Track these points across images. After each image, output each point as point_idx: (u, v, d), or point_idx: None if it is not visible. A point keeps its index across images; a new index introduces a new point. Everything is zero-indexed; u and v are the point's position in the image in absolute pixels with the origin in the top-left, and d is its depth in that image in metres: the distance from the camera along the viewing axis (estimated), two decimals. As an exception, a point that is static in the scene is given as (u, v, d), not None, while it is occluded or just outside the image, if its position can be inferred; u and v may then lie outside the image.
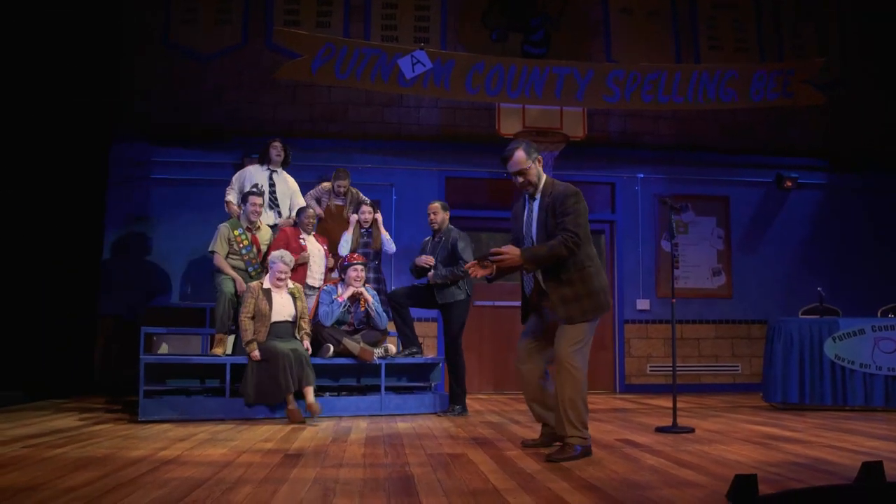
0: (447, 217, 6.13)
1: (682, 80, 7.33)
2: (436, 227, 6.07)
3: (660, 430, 4.78)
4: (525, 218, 3.88)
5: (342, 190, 6.87)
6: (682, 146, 9.05)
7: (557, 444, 4.01)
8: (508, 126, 8.31)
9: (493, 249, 3.59)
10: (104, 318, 7.86)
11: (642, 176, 8.95)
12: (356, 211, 6.68)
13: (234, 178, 6.86)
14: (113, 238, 8.08)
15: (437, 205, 6.13)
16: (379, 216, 6.78)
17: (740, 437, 4.44)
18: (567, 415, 3.59)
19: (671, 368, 8.74)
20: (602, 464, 3.42)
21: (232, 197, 6.73)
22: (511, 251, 3.58)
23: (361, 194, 7.00)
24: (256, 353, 5.49)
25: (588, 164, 8.80)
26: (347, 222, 6.66)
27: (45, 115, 6.95)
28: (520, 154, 3.80)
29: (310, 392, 5.38)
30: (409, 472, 3.23)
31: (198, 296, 7.85)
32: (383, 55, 7.01)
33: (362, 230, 6.59)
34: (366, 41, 7.87)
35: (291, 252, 6.17)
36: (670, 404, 6.82)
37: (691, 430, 4.71)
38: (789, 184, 9.04)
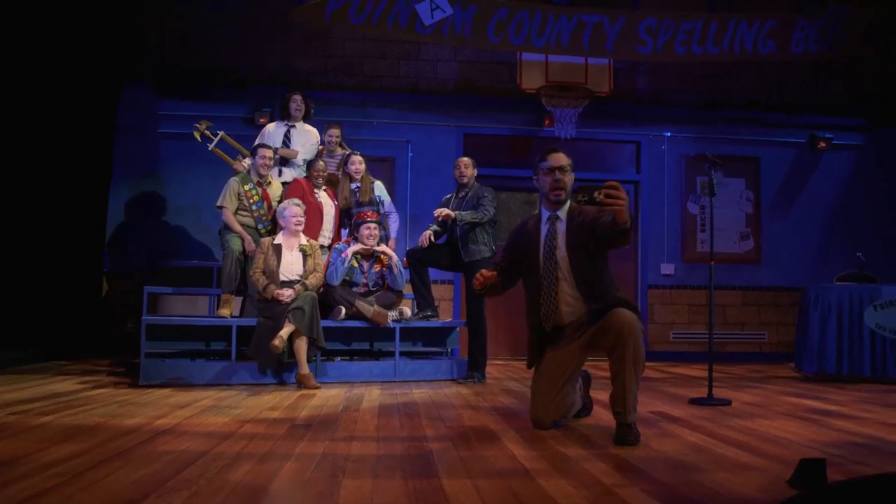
0: (475, 173, 5.79)
1: (718, 29, 6.87)
2: (465, 181, 5.72)
3: (694, 401, 4.46)
4: (544, 241, 3.46)
5: (335, 140, 6.49)
6: (710, 104, 8.60)
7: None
8: (530, 80, 7.90)
9: (610, 183, 2.99)
10: (110, 276, 7.60)
11: (669, 135, 8.53)
12: (346, 166, 6.28)
13: (257, 139, 6.54)
14: (119, 193, 7.78)
15: (467, 159, 5.80)
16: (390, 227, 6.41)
17: (782, 412, 4.11)
18: (633, 395, 3.12)
19: (695, 336, 8.51)
20: (641, 440, 3.10)
21: None
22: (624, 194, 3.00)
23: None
24: (285, 291, 5.23)
25: (613, 122, 8.41)
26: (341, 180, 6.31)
27: (51, 64, 6.64)
28: (563, 155, 3.48)
29: (302, 353, 5.07)
30: (427, 447, 2.92)
31: (206, 254, 7.57)
32: (401, -1, 6.60)
33: (352, 185, 6.22)
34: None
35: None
36: (696, 373, 6.57)
37: (728, 403, 4.39)
38: (823, 144, 8.61)
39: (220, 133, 6.65)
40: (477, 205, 5.57)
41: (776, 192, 8.67)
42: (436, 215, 5.61)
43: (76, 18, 6.93)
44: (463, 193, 5.72)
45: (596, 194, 3.00)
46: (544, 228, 3.49)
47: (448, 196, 5.90)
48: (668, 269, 8.41)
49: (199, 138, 6.67)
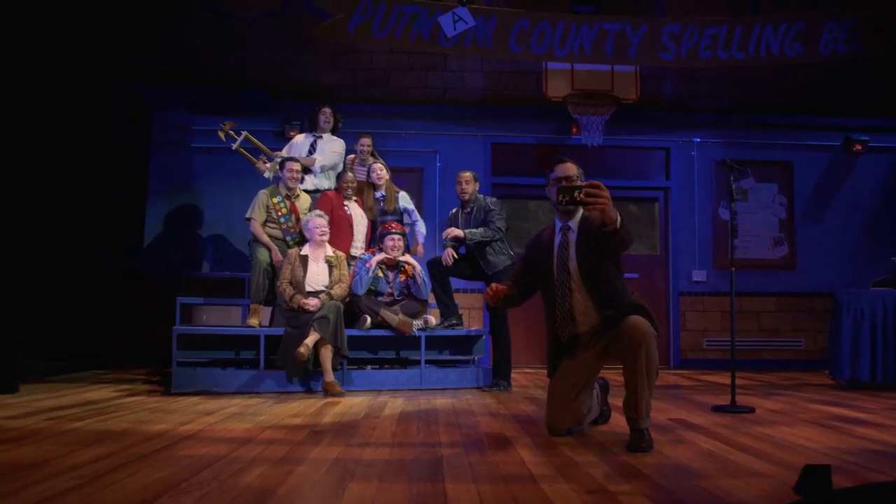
0: (477, 187, 5.83)
1: (743, 34, 6.83)
2: (466, 197, 5.76)
3: (717, 409, 4.44)
4: (556, 252, 3.45)
5: (366, 149, 6.59)
6: (740, 108, 8.54)
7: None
8: (556, 89, 7.93)
9: (592, 182, 2.97)
10: (146, 287, 7.79)
11: (699, 140, 8.48)
12: (369, 175, 6.40)
13: (283, 151, 6.69)
14: (155, 207, 8.01)
15: (469, 174, 5.81)
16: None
17: (806, 419, 4.07)
18: (645, 400, 3.13)
19: (729, 343, 8.39)
20: (654, 447, 3.11)
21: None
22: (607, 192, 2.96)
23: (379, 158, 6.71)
24: (311, 300, 5.33)
25: (641, 129, 8.39)
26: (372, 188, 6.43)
27: (87, 83, 6.91)
28: (572, 165, 3.47)
29: (328, 361, 5.15)
30: (439, 453, 2.97)
31: (237, 265, 7.72)
32: (424, 12, 6.70)
33: (377, 194, 6.31)
34: (405, -1, 7.55)
35: (333, 219, 5.97)
36: (728, 381, 6.48)
37: (751, 410, 4.36)
38: (859, 147, 8.46)
39: (244, 133, 6.80)
40: (485, 219, 5.60)
41: (810, 197, 8.54)
42: (445, 236, 5.66)
43: (110, 35, 7.19)
44: (468, 209, 5.75)
45: (576, 194, 2.95)
46: (557, 239, 3.49)
47: (454, 210, 5.95)
48: (699, 275, 8.34)
49: (223, 138, 6.82)
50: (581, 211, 3.45)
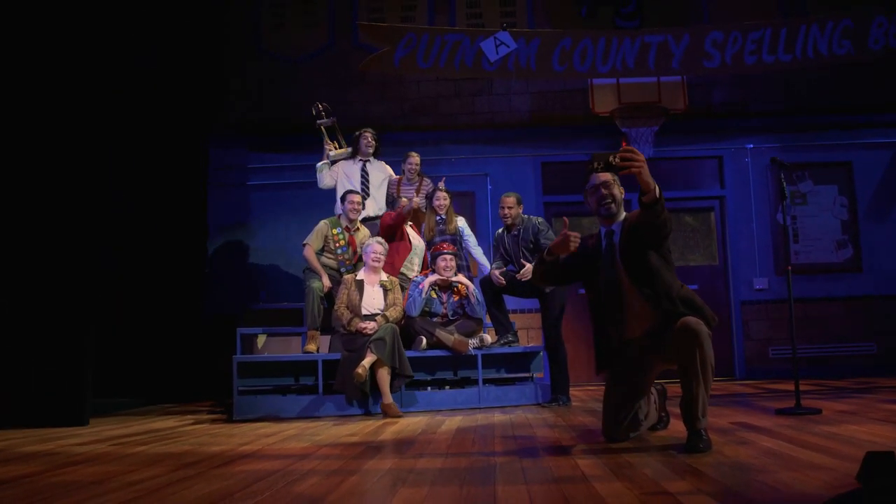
0: (521, 210, 5.82)
1: (788, 35, 6.72)
2: (509, 221, 5.75)
3: (781, 412, 4.31)
4: (604, 258, 3.41)
5: (414, 168, 6.69)
6: (793, 111, 8.37)
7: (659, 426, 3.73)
8: (603, 104, 7.94)
9: (625, 146, 2.97)
10: (210, 321, 7.99)
11: (752, 146, 8.32)
12: (428, 198, 6.48)
13: (327, 180, 6.82)
14: (214, 242, 8.24)
15: (512, 199, 5.79)
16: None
17: (876, 417, 3.92)
18: (702, 400, 3.04)
19: (797, 350, 8.13)
20: (714, 448, 3.03)
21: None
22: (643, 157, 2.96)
23: (433, 183, 6.76)
24: (368, 324, 5.40)
25: (691, 138, 8.30)
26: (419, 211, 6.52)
27: (148, 127, 7.21)
28: (607, 172, 3.41)
29: (385, 383, 5.19)
30: (492, 461, 2.96)
31: (295, 296, 7.85)
32: (465, 39, 6.81)
33: (437, 217, 6.37)
34: (448, 27, 7.68)
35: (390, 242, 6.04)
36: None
37: (818, 412, 4.21)
38: (922, 142, 8.19)
39: (333, 118, 6.89)
40: (535, 240, 5.59)
41: (873, 196, 8.28)
42: (520, 278, 5.54)
43: (170, 79, 7.51)
44: (515, 231, 5.73)
45: (611, 158, 2.96)
46: (603, 244, 3.46)
47: (500, 231, 5.93)
48: (761, 283, 8.14)
49: (313, 112, 6.90)
50: (623, 213, 3.43)
